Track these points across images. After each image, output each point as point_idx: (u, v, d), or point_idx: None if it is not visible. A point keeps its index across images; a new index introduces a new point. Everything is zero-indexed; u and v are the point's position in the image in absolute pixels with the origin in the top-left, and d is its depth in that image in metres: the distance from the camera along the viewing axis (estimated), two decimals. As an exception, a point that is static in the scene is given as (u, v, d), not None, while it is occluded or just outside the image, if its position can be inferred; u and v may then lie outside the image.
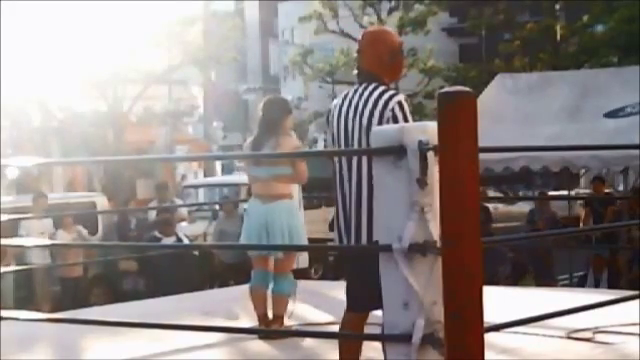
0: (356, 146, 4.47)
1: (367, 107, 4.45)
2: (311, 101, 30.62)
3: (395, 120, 4.35)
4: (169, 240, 11.16)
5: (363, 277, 4.26)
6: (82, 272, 13.18)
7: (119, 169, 23.43)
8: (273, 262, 6.44)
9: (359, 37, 4.73)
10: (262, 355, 5.90)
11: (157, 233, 11.41)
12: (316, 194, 13.80)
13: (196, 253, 11.51)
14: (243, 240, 6.48)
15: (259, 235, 6.27)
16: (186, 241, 11.82)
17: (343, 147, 4.55)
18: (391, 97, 4.44)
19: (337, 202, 4.57)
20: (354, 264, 4.54)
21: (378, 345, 3.98)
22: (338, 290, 8.72)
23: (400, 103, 4.42)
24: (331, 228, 18.90)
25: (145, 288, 11.78)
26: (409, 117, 4.41)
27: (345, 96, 4.61)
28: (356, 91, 4.56)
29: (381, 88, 4.49)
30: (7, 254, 11.14)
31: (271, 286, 6.43)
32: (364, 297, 4.38)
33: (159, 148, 27.43)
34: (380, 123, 4.34)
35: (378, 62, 4.55)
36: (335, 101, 4.70)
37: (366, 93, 4.50)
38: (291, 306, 6.52)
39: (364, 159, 4.37)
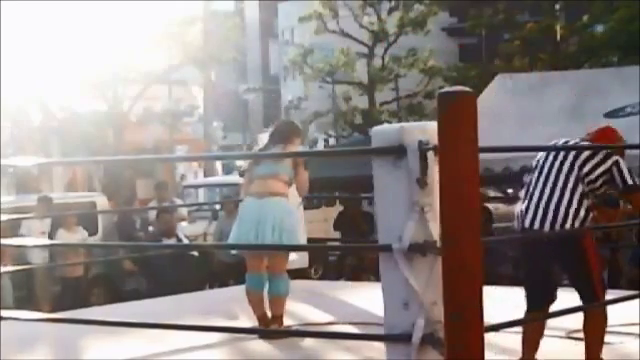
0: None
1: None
2: (311, 101, 30.58)
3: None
4: (169, 241, 11.15)
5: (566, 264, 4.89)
6: (82, 272, 13.18)
7: (119, 169, 23.42)
8: (266, 261, 6.44)
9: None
10: (262, 355, 5.90)
11: (157, 233, 11.39)
12: (316, 194, 13.80)
13: (195, 253, 11.49)
14: (233, 235, 6.47)
15: (250, 231, 6.26)
16: (186, 241, 11.80)
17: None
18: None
19: (534, 193, 4.91)
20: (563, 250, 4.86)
21: (379, 345, 3.99)
22: (338, 290, 8.74)
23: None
24: (335, 227, 18.65)
25: (146, 288, 11.77)
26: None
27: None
28: None
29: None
30: (6, 254, 11.13)
31: (267, 287, 6.43)
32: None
33: (159, 148, 27.42)
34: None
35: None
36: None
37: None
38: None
39: (567, 164, 4.88)
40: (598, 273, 4.87)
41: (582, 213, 4.82)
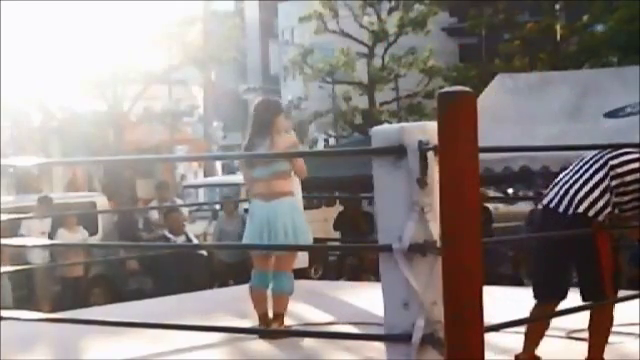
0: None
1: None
2: (311, 101, 30.58)
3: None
4: (179, 239, 11.15)
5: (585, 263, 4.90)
6: (82, 272, 13.18)
7: (119, 169, 23.41)
8: (274, 260, 6.43)
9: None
10: (262, 355, 5.90)
11: (167, 233, 11.38)
12: (316, 194, 13.80)
13: (204, 253, 11.49)
14: (246, 239, 6.47)
15: (261, 234, 6.26)
16: (195, 240, 11.80)
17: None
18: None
19: (563, 177, 5.04)
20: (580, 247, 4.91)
21: (379, 345, 3.99)
22: (338, 290, 8.74)
23: None
24: (335, 227, 18.65)
25: (152, 288, 11.77)
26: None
27: None
28: None
29: None
30: (6, 254, 11.14)
31: (271, 285, 6.42)
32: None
33: (159, 148, 27.42)
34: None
35: None
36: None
37: None
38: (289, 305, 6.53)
39: (603, 160, 4.93)
40: (609, 273, 4.85)
41: (599, 205, 4.81)
